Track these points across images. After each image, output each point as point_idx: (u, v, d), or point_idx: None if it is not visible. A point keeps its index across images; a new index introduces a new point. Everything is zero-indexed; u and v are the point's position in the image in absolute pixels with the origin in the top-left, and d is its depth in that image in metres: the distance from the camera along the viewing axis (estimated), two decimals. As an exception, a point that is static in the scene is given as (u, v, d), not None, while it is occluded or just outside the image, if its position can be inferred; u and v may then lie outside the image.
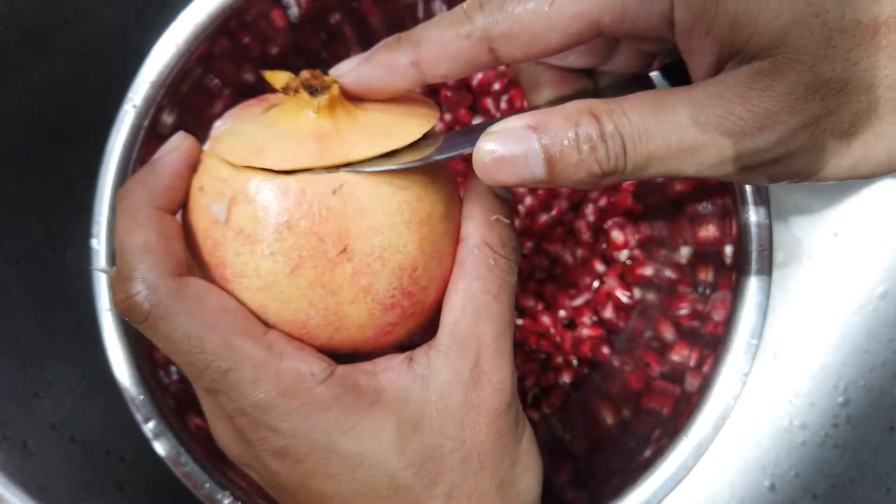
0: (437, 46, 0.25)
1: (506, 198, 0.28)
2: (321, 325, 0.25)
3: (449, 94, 0.49)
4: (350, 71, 0.27)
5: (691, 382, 0.37)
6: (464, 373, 0.26)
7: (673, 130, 0.23)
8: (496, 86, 0.48)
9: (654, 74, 0.30)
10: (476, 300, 0.27)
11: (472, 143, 0.25)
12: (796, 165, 0.24)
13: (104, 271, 0.27)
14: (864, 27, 0.22)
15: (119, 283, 0.24)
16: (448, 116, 0.49)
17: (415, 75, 0.26)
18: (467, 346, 0.26)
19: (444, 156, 0.25)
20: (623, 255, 0.49)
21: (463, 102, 0.49)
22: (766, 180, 0.25)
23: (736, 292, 0.36)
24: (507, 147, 0.24)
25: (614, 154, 0.23)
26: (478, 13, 0.24)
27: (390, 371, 0.26)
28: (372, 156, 0.25)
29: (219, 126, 0.28)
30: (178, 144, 0.27)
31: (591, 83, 0.30)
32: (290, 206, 0.24)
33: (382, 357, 0.27)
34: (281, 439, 0.24)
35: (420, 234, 0.26)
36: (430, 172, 0.26)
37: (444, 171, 0.28)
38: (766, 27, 0.22)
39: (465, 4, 0.25)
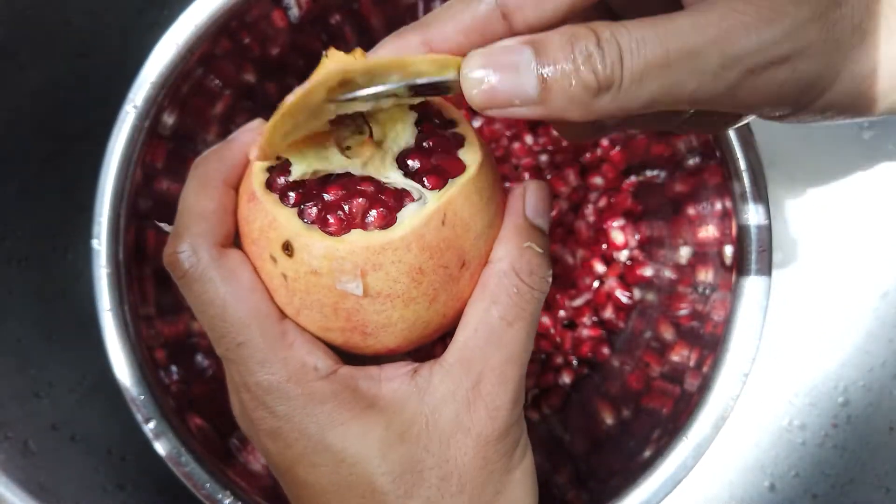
0: (447, 21, 0.24)
1: (542, 228, 0.28)
2: (433, 330, 0.28)
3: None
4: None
5: (691, 383, 0.37)
6: (460, 392, 0.26)
7: (672, 35, 0.22)
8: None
9: None
10: (490, 323, 0.26)
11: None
12: (807, 68, 0.22)
13: (164, 226, 0.28)
14: None
15: (171, 239, 0.26)
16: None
17: (422, 51, 0.25)
18: (471, 367, 0.26)
19: (434, 79, 0.25)
20: (623, 255, 0.49)
21: (463, 103, 0.49)
22: (775, 94, 0.22)
23: (736, 293, 0.36)
24: (498, 60, 0.22)
25: (610, 62, 0.21)
26: None
27: (393, 380, 0.26)
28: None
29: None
30: (257, 127, 0.29)
31: None
32: (417, 257, 0.25)
33: (390, 364, 0.27)
34: (276, 421, 0.25)
35: (499, 217, 0.28)
36: (487, 156, 0.28)
37: (487, 145, 0.29)
38: None
39: None
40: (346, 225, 0.25)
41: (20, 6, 0.43)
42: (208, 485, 0.34)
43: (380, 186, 0.26)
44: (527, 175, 0.49)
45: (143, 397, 0.35)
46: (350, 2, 0.43)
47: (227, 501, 0.34)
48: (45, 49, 0.45)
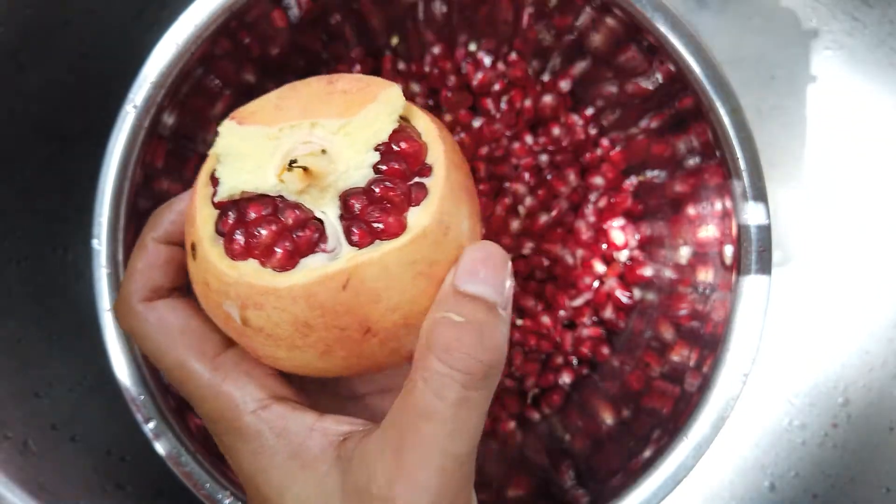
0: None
1: (478, 295, 0.24)
2: (353, 371, 0.27)
3: (449, 94, 0.49)
4: None
5: (691, 382, 0.37)
6: (375, 483, 0.24)
7: None
8: (496, 86, 0.49)
9: None
10: (409, 409, 0.24)
11: None
12: None
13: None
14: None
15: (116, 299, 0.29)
16: (448, 117, 0.49)
17: None
18: (390, 456, 0.24)
19: None
20: (623, 255, 0.49)
21: (463, 103, 0.49)
22: None
23: (736, 292, 0.36)
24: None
25: None
26: None
27: (323, 437, 0.25)
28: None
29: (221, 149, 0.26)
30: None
31: None
32: (305, 311, 0.23)
33: (330, 417, 0.26)
34: (223, 448, 0.27)
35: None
36: (440, 223, 0.24)
37: (456, 205, 0.25)
38: None
39: None
40: (245, 252, 0.24)
41: (20, 6, 0.43)
42: (208, 485, 0.34)
43: (304, 220, 0.24)
44: (527, 175, 0.49)
45: (143, 397, 0.35)
46: (350, 2, 0.43)
47: (227, 501, 0.34)
48: (44, 49, 0.45)
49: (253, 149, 0.25)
